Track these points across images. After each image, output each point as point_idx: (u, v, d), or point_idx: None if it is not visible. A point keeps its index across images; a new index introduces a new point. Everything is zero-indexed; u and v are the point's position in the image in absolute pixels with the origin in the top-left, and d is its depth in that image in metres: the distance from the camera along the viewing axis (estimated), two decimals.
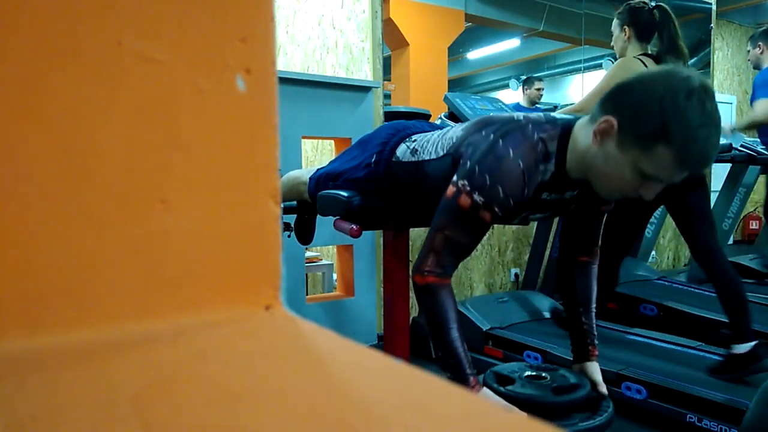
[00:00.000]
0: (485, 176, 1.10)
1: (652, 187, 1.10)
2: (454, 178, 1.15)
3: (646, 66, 2.18)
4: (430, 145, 1.37)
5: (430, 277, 1.16)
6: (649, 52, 2.24)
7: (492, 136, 1.13)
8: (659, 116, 1.01)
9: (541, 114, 1.20)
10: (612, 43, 2.34)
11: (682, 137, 1.01)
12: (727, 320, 2.14)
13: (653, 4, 2.23)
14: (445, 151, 1.29)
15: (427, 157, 1.35)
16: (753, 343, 2.01)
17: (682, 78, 1.02)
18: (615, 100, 1.09)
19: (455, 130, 1.32)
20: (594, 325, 1.43)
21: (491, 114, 1.22)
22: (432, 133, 1.44)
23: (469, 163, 1.13)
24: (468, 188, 1.11)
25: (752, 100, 3.08)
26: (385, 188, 1.50)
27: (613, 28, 2.31)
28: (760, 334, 2.56)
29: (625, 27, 2.26)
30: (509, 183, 1.10)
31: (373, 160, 1.49)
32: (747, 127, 3.19)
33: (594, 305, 1.43)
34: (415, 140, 1.44)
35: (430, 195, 1.29)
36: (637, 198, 1.12)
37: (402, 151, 1.45)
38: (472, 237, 1.18)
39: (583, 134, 1.14)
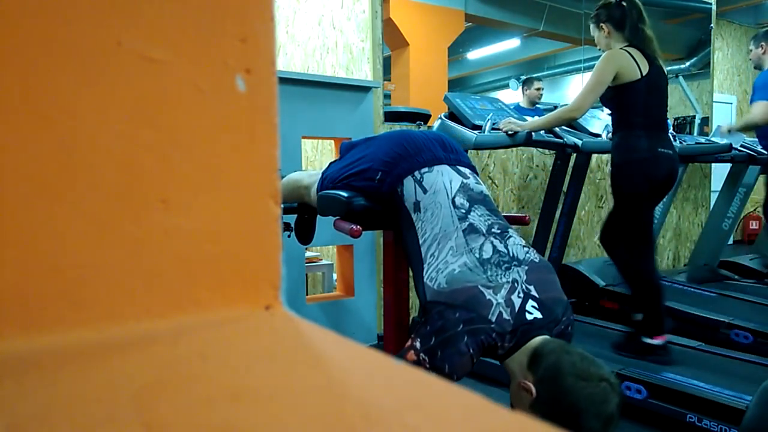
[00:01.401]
0: (445, 364, 1.20)
1: None
2: (417, 344, 1.23)
3: (632, 57, 2.21)
4: (428, 224, 1.37)
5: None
6: (631, 42, 2.30)
7: (461, 326, 1.20)
8: (568, 421, 1.10)
9: (515, 311, 1.23)
10: (597, 45, 2.41)
11: None
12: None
13: None
14: (425, 276, 1.32)
15: (420, 239, 1.38)
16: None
17: (605, 393, 1.12)
18: (545, 375, 1.17)
19: (446, 259, 1.31)
20: None
21: (477, 286, 1.23)
22: (439, 193, 1.40)
23: (433, 340, 1.21)
24: (427, 365, 1.21)
25: (751, 102, 3.09)
26: (384, 203, 1.50)
27: (591, 31, 2.40)
28: (761, 333, 2.57)
29: (602, 24, 2.34)
30: (462, 371, 1.21)
31: (377, 177, 1.48)
32: (744, 128, 3.21)
33: None
34: (424, 187, 1.41)
35: (411, 263, 1.41)
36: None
37: (408, 189, 1.43)
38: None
39: (521, 360, 1.22)
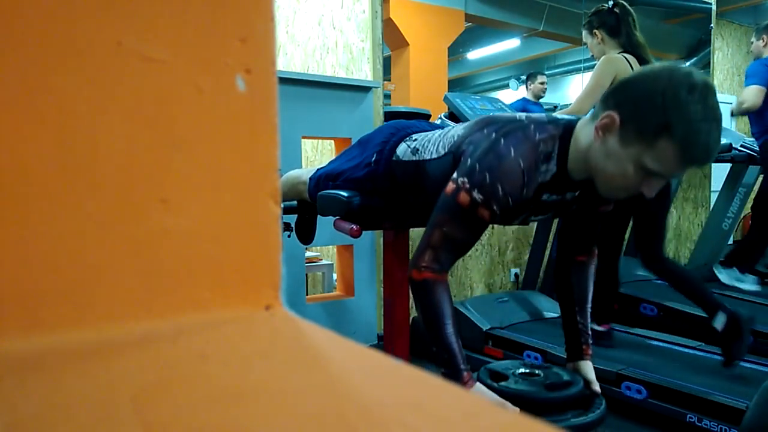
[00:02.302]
0: (485, 174, 1.10)
1: (654, 183, 1.09)
2: (454, 175, 1.15)
3: (628, 62, 2.22)
4: (431, 144, 1.37)
5: (426, 273, 1.16)
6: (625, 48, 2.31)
7: (494, 134, 1.13)
8: (661, 110, 1.01)
9: (543, 114, 1.20)
10: (590, 52, 2.42)
11: (685, 131, 1.00)
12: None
13: (611, 2, 2.31)
14: (446, 150, 1.29)
15: (428, 157, 1.35)
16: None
17: (684, 73, 1.02)
18: (616, 95, 1.09)
19: (456, 129, 1.32)
20: (589, 324, 1.43)
21: (493, 114, 1.22)
22: (433, 132, 1.44)
23: (469, 160, 1.13)
24: (467, 186, 1.11)
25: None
26: (386, 188, 1.50)
27: (584, 38, 2.41)
28: (761, 334, 2.56)
29: (596, 31, 2.35)
30: (509, 182, 1.10)
31: (373, 159, 1.49)
32: (741, 114, 3.25)
33: (589, 305, 1.43)
34: (415, 139, 1.44)
35: (431, 194, 1.29)
36: (638, 195, 1.13)
37: (402, 150, 1.45)
38: (470, 235, 1.18)
39: (584, 133, 1.14)
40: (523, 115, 1.20)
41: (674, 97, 1.00)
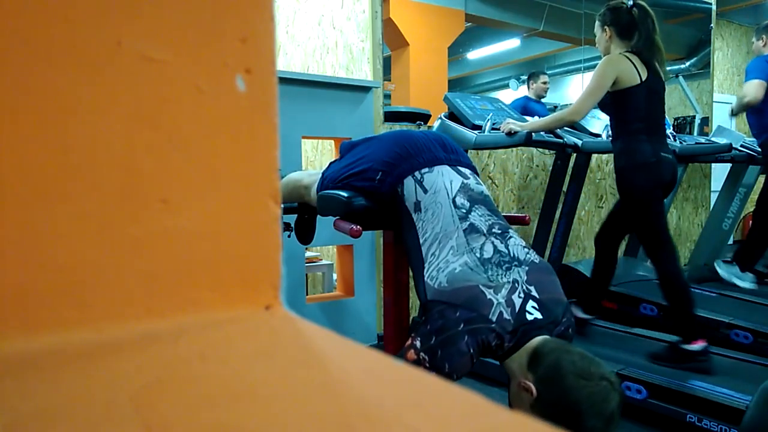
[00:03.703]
0: (444, 363, 1.20)
1: None
2: (417, 343, 1.23)
3: (632, 62, 2.20)
4: (429, 224, 1.37)
5: None
6: (633, 49, 2.28)
7: (462, 326, 1.20)
8: (570, 420, 1.11)
9: (515, 310, 1.23)
10: (596, 45, 2.39)
11: None
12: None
13: (631, 2, 2.27)
14: (426, 275, 1.32)
15: (421, 238, 1.38)
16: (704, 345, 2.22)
17: (606, 392, 1.12)
18: (545, 375, 1.17)
19: (447, 258, 1.31)
20: None
21: (477, 286, 1.24)
22: (439, 193, 1.40)
23: (434, 339, 1.21)
24: (427, 365, 1.21)
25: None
26: (386, 201, 1.50)
27: (595, 29, 2.36)
28: (761, 333, 2.57)
29: (606, 27, 2.32)
30: (461, 371, 1.21)
31: (377, 177, 1.48)
32: (742, 109, 3.21)
33: None
34: (425, 187, 1.42)
35: (411, 262, 1.40)
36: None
37: (408, 189, 1.43)
38: None
39: (521, 360, 1.22)
40: (498, 310, 1.23)
41: (586, 415, 1.10)
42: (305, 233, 2.00)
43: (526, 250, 1.36)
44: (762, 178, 3.62)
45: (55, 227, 0.33)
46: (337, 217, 1.55)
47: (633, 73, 2.20)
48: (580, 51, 5.26)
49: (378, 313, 2.63)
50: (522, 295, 1.26)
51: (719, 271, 3.36)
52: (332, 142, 2.68)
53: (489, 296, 1.23)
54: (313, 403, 0.27)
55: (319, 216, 1.75)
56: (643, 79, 2.20)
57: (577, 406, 1.11)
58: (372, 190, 1.50)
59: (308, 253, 2.65)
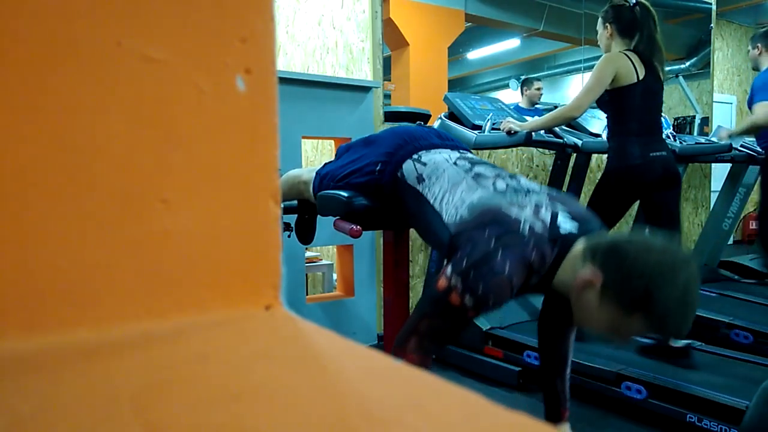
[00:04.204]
0: (479, 284, 1.12)
1: (620, 340, 1.15)
2: (448, 270, 1.17)
3: (631, 60, 2.21)
4: (436, 185, 1.36)
5: (411, 356, 1.21)
6: (633, 47, 2.28)
7: (493, 242, 1.14)
8: (642, 291, 1.05)
9: (546, 224, 1.16)
10: (597, 41, 2.38)
11: (660, 315, 1.06)
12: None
13: (634, 1, 2.27)
14: (446, 217, 1.29)
15: (431, 199, 1.35)
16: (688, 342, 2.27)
17: (671, 261, 1.06)
18: (606, 257, 1.11)
19: (462, 197, 1.29)
20: (567, 389, 1.50)
21: (499, 208, 1.19)
22: (441, 162, 1.41)
23: (465, 262, 1.15)
24: (459, 289, 1.14)
25: (750, 103, 3.06)
26: (387, 196, 1.50)
27: (597, 26, 2.36)
28: (761, 333, 2.56)
29: (608, 24, 2.32)
30: (499, 295, 1.14)
31: (377, 168, 1.49)
32: (746, 131, 3.15)
33: (569, 369, 1.50)
34: (423, 162, 1.43)
35: (425, 230, 1.36)
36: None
37: (408, 169, 1.44)
38: (455, 329, 1.22)
39: (573, 263, 1.16)
40: (527, 224, 1.16)
41: (658, 282, 1.04)
42: (305, 233, 2.00)
43: (539, 185, 1.33)
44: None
45: (55, 227, 0.33)
46: (337, 217, 1.55)
47: (631, 71, 2.21)
48: (580, 51, 5.26)
49: (378, 313, 2.63)
50: (549, 211, 1.19)
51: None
52: (332, 142, 2.68)
53: (515, 215, 1.17)
54: (313, 403, 0.27)
55: (319, 216, 1.75)
56: (641, 77, 2.21)
57: (647, 276, 1.04)
58: (373, 183, 1.50)
59: (308, 253, 2.65)
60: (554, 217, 1.18)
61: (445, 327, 1.20)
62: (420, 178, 1.41)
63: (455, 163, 1.40)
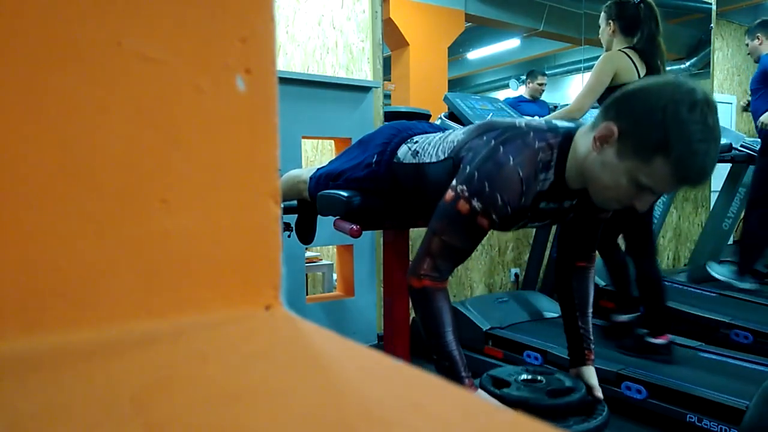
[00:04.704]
0: (484, 183, 1.09)
1: (646, 198, 1.09)
2: (453, 182, 1.15)
3: (631, 59, 2.21)
4: (431, 147, 1.37)
5: (426, 281, 1.16)
6: (634, 46, 2.28)
7: (493, 142, 1.13)
8: (661, 128, 1.00)
9: (542, 121, 1.18)
10: (599, 37, 2.38)
11: (682, 151, 1.00)
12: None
13: None
14: (446, 155, 1.29)
15: (428, 160, 1.35)
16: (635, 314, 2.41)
17: (686, 90, 1.01)
18: (618, 106, 1.08)
19: (456, 134, 1.32)
20: (590, 330, 1.44)
21: (493, 119, 1.21)
22: (434, 135, 1.44)
23: (468, 168, 1.13)
24: (467, 194, 1.11)
25: (754, 83, 3.05)
26: (386, 188, 1.50)
27: (600, 21, 2.36)
28: (761, 333, 2.57)
29: (610, 21, 2.31)
30: (508, 190, 1.09)
31: (374, 160, 1.50)
32: None
33: (590, 309, 1.45)
34: (416, 142, 1.45)
35: (431, 197, 1.29)
36: (631, 207, 1.12)
37: (403, 152, 1.45)
38: (469, 242, 1.18)
39: (583, 142, 1.13)
40: (522, 121, 1.18)
41: (675, 116, 0.99)
42: (306, 233, 2.00)
43: None
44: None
45: (55, 227, 0.33)
46: (337, 217, 1.55)
47: (631, 69, 2.21)
48: (580, 51, 5.26)
49: (378, 313, 2.63)
50: (543, 121, 1.20)
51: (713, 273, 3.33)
52: (332, 142, 2.68)
53: (509, 120, 1.17)
54: (313, 403, 0.27)
55: (319, 216, 1.76)
56: (641, 76, 2.21)
57: (661, 108, 0.99)
58: (371, 176, 1.50)
59: (308, 253, 2.65)
60: (549, 121, 1.19)
61: (458, 241, 1.15)
62: (414, 153, 1.42)
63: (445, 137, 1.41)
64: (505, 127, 1.16)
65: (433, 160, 1.33)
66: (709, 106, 1.01)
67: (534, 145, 1.12)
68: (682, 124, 0.99)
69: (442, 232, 1.16)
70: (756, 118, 3.12)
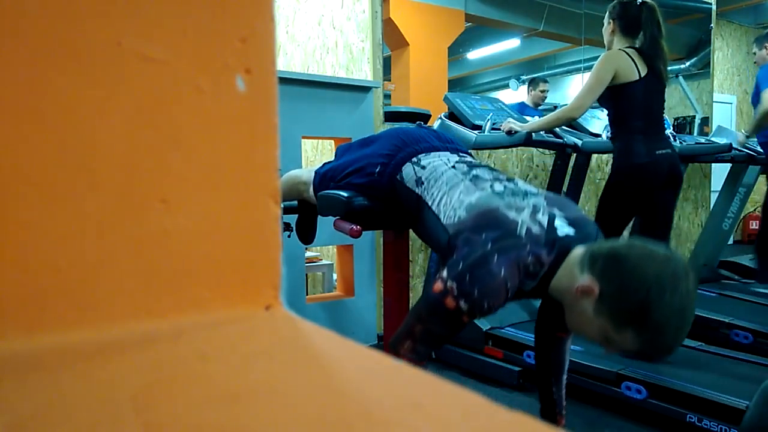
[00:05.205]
0: (474, 288, 1.12)
1: (612, 350, 1.15)
2: (444, 273, 1.17)
3: (632, 59, 2.20)
4: (434, 187, 1.37)
5: (404, 359, 1.21)
6: (636, 45, 2.28)
7: (489, 246, 1.14)
8: (640, 307, 1.04)
9: (543, 227, 1.17)
10: (602, 34, 2.38)
11: (654, 334, 1.05)
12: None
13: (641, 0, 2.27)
14: (444, 221, 1.30)
15: (429, 202, 1.36)
16: None
17: (672, 272, 1.05)
18: (605, 265, 1.10)
19: (460, 198, 1.29)
20: (563, 396, 1.51)
21: (497, 208, 1.19)
22: (439, 163, 1.42)
23: (461, 265, 1.15)
24: (455, 293, 1.14)
25: (755, 96, 3.05)
26: (387, 197, 1.51)
27: (604, 19, 2.36)
28: (761, 333, 2.57)
29: (611, 20, 2.32)
30: (494, 298, 1.14)
31: (377, 170, 1.50)
32: (760, 123, 3.08)
33: (565, 376, 1.51)
34: (422, 166, 1.44)
35: (427, 235, 1.36)
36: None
37: (408, 172, 1.45)
38: (450, 332, 1.22)
39: (571, 270, 1.16)
40: (524, 228, 1.16)
41: (657, 298, 1.03)
42: (306, 233, 2.00)
43: (536, 189, 1.33)
44: (762, 179, 3.62)
45: (55, 227, 0.33)
46: (337, 217, 1.55)
47: (632, 68, 2.20)
48: (580, 51, 5.26)
49: (378, 313, 2.63)
50: (546, 214, 1.19)
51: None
52: (332, 142, 2.68)
53: (512, 216, 1.17)
54: (313, 403, 0.27)
55: (319, 216, 1.76)
56: (642, 75, 2.21)
57: (646, 288, 1.03)
58: (372, 184, 1.50)
59: (308, 253, 2.65)
60: (551, 220, 1.19)
61: (439, 331, 1.21)
62: (419, 182, 1.42)
63: (454, 166, 1.40)
64: (506, 231, 1.16)
65: (433, 209, 1.34)
66: (689, 296, 1.05)
67: (527, 260, 1.15)
68: (661, 309, 1.03)
69: (426, 321, 1.21)
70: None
